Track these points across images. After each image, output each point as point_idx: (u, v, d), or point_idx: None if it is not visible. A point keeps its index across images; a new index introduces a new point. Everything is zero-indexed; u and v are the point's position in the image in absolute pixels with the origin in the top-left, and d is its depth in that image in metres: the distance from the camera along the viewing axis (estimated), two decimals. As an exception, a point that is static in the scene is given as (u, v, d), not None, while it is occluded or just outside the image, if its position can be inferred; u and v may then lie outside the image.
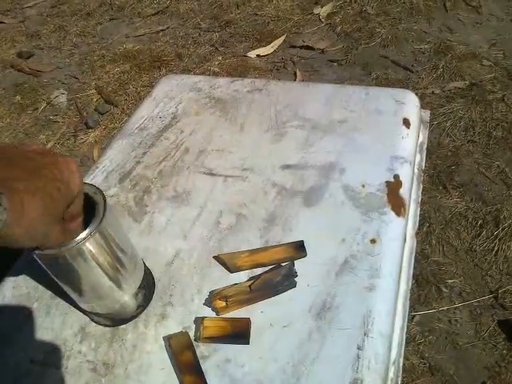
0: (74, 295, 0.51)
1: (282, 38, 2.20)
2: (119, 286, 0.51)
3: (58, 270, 0.47)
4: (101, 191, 0.47)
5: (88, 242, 0.44)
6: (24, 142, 0.44)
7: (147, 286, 0.56)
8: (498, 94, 1.78)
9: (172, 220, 0.67)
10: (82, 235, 0.43)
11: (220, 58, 2.13)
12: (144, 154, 0.78)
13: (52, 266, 0.46)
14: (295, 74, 2.00)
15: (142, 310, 0.56)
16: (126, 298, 0.53)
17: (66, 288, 0.50)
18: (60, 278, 0.48)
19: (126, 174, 0.75)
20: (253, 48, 2.17)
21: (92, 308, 0.53)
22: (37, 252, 0.42)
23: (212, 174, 0.72)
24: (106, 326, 0.55)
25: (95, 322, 0.56)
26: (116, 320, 0.55)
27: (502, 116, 1.70)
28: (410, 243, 0.69)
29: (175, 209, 0.68)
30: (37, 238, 0.38)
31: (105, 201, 0.46)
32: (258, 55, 2.13)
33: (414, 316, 1.19)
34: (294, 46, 2.16)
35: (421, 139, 0.86)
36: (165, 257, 0.62)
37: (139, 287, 0.54)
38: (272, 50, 2.15)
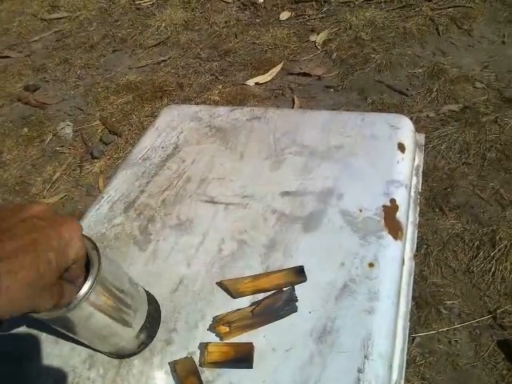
0: (79, 339, 0.51)
1: (280, 65, 2.26)
2: (124, 325, 0.51)
3: (57, 325, 0.47)
4: (93, 242, 0.46)
5: (84, 303, 0.43)
6: (25, 203, 0.41)
7: (152, 319, 0.57)
8: (491, 115, 1.81)
9: (176, 248, 0.68)
10: (76, 299, 0.42)
11: (220, 86, 2.18)
12: (147, 183, 0.80)
13: (51, 323, 0.46)
14: (293, 100, 2.05)
15: (147, 345, 0.56)
16: (131, 335, 0.53)
17: (69, 334, 0.50)
18: (62, 330, 0.48)
19: (130, 203, 0.77)
20: (251, 76, 2.23)
21: (99, 348, 0.54)
22: (32, 315, 0.41)
23: (213, 202, 0.75)
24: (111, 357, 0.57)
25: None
26: (122, 355, 0.56)
27: (495, 138, 1.73)
28: (409, 265, 0.70)
29: (179, 237, 0.70)
30: (22, 309, 0.36)
31: (99, 256, 0.45)
32: (256, 83, 2.18)
33: (414, 338, 1.19)
34: (291, 73, 2.22)
35: (416, 162, 0.89)
36: (169, 284, 0.64)
37: (143, 324, 0.54)
38: (270, 78, 2.20)
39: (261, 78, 2.20)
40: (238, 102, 2.02)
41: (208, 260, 0.66)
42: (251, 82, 2.19)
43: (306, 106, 2.00)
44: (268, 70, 2.24)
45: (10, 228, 0.36)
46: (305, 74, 2.20)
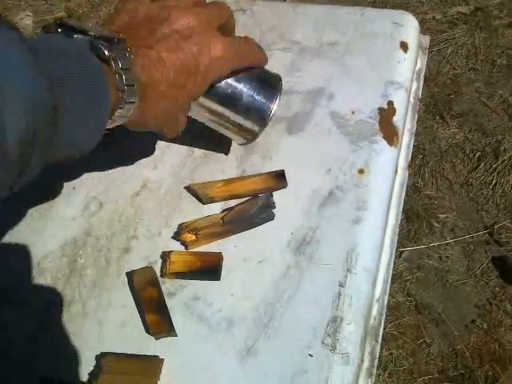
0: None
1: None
2: None
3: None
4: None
5: None
6: (167, 7, 0.40)
7: None
8: (505, 19, 1.64)
9: (142, 148, 0.60)
10: None
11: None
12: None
13: None
14: (286, -5, 1.85)
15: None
16: None
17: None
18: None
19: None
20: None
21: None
22: None
23: (186, 100, 0.65)
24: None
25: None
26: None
27: (507, 43, 1.58)
28: (402, 175, 0.63)
29: (146, 137, 0.61)
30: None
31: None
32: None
33: (402, 252, 1.14)
34: (284, -34, 2.00)
35: (418, 66, 0.79)
36: (131, 187, 0.56)
37: None
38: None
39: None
40: (223, -4, 1.82)
41: (177, 162, 0.58)
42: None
43: (300, 0, 1.82)
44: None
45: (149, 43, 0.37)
46: (299, -30, 1.98)
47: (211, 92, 0.44)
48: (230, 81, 0.45)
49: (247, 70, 0.46)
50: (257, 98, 0.47)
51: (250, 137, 0.50)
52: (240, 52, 0.44)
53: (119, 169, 0.58)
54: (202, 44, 0.38)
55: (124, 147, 0.60)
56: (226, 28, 0.45)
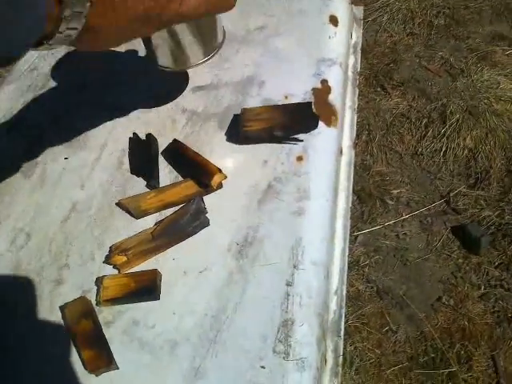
0: None
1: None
2: None
3: None
4: None
5: None
6: None
7: None
8: None
9: (67, 168, 0.56)
10: None
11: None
12: (35, 98, 0.65)
13: None
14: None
15: None
16: None
17: None
18: None
19: (14, 122, 0.63)
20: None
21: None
22: None
23: (112, 109, 0.61)
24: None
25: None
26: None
27: (442, 2, 1.55)
28: (348, 155, 0.60)
29: (70, 155, 0.57)
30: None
31: None
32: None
33: (357, 236, 1.09)
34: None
35: (354, 39, 0.76)
36: (60, 212, 0.52)
37: None
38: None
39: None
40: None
41: (106, 178, 0.54)
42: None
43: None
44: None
45: None
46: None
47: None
48: None
49: None
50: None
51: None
52: None
53: (45, 193, 0.54)
54: None
55: (46, 169, 0.56)
56: None
